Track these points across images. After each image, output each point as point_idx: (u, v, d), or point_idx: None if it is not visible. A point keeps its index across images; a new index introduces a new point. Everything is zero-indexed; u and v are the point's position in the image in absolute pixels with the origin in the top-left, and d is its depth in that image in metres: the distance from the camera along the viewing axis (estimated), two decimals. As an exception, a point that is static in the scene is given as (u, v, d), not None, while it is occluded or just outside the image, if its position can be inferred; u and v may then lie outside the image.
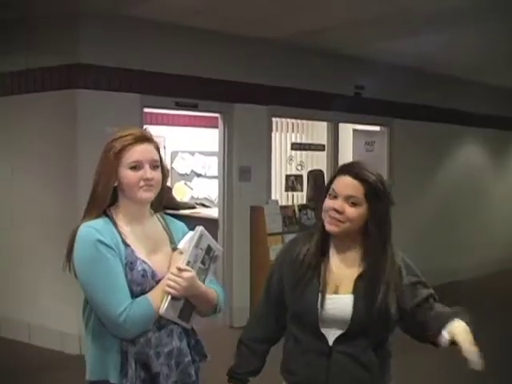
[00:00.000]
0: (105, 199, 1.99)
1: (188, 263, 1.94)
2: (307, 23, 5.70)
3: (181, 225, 2.21)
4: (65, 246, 1.99)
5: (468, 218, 9.04)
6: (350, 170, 2.01)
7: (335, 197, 2.00)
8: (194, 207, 8.97)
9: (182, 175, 9.80)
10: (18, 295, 5.71)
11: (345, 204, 1.97)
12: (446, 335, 1.81)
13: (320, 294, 2.01)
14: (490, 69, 7.82)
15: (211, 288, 2.09)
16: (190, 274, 1.93)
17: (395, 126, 7.95)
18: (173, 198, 8.61)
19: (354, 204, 1.97)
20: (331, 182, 2.05)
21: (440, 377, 4.88)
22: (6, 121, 5.84)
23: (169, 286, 1.91)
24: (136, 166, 1.98)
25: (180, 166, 9.92)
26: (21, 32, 5.54)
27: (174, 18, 5.49)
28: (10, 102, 5.76)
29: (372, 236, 1.99)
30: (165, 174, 2.07)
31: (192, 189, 10.03)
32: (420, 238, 7.31)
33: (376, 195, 1.97)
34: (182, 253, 1.99)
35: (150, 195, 2.01)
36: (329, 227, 2.01)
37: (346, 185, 1.98)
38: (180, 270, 1.92)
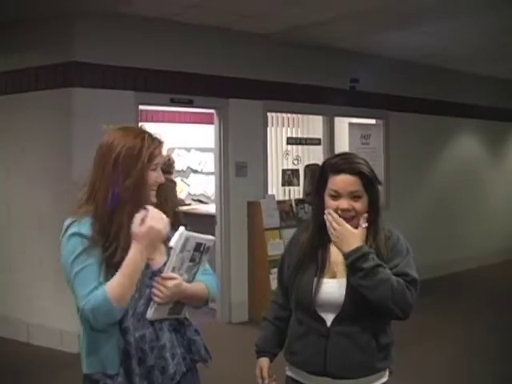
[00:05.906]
0: (146, 200, 1.98)
1: (173, 269, 1.94)
2: (301, 17, 5.70)
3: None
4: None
5: (465, 209, 9.05)
6: (342, 167, 2.09)
7: (337, 196, 2.09)
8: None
9: (179, 172, 9.78)
10: (17, 294, 5.71)
11: (350, 201, 2.08)
12: None
13: (316, 279, 2.11)
14: (485, 60, 7.82)
15: (200, 283, 2.07)
16: (173, 282, 1.92)
17: (391, 118, 7.95)
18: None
19: (357, 197, 2.08)
20: (324, 179, 2.12)
21: (437, 371, 4.89)
22: (1, 120, 5.82)
23: (153, 293, 1.92)
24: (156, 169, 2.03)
25: (176, 162, 9.90)
26: (15, 31, 5.52)
27: (167, 14, 5.49)
28: (5, 102, 5.75)
29: (371, 219, 2.10)
30: None
31: (189, 185, 10.04)
32: (417, 230, 7.31)
33: (371, 182, 2.11)
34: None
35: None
36: None
37: (345, 182, 2.08)
38: (164, 278, 1.92)
